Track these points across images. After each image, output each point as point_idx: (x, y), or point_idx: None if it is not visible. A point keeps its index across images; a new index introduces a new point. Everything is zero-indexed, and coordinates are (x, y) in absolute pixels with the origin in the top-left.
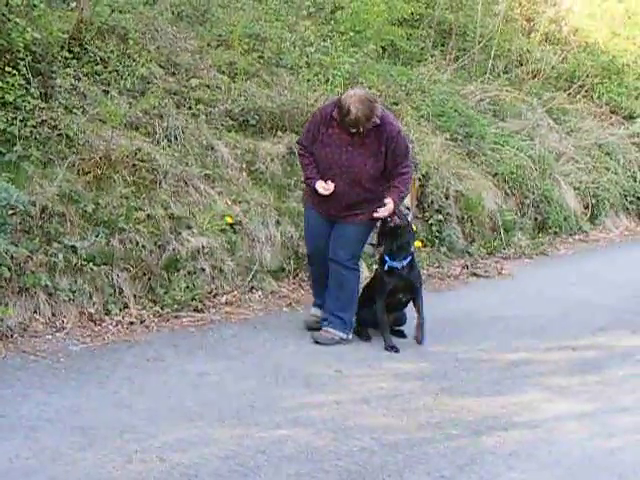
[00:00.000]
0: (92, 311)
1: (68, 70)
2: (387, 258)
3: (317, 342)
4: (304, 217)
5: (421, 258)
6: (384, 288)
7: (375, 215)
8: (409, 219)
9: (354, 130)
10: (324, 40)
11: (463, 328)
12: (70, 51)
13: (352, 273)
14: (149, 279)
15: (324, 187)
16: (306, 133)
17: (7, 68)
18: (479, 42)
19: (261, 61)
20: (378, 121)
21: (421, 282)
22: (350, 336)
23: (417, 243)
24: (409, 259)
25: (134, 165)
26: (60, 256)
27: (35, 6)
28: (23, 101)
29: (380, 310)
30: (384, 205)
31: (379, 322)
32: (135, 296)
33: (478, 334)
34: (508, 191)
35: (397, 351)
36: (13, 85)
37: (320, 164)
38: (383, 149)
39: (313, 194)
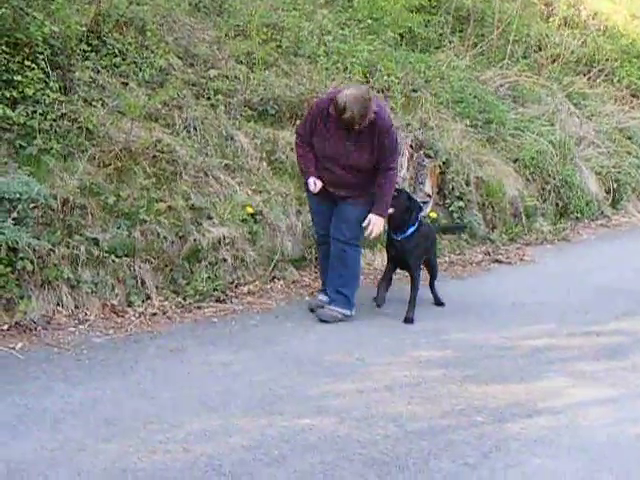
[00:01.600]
0: (115, 303)
1: (87, 63)
2: (389, 230)
3: (321, 320)
4: (308, 200)
5: (442, 245)
6: (387, 256)
7: (367, 235)
8: (411, 201)
9: (350, 128)
10: (342, 28)
11: (485, 315)
12: (88, 44)
13: (354, 250)
14: (171, 270)
15: (314, 183)
16: (303, 124)
17: (26, 62)
18: (497, 27)
19: (279, 50)
20: (373, 117)
21: (418, 255)
22: (353, 312)
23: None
24: (408, 233)
25: (154, 157)
26: (82, 249)
27: None
28: (42, 95)
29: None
30: (370, 223)
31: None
32: (157, 287)
33: (501, 320)
34: (529, 177)
35: (380, 306)
36: (32, 79)
37: (318, 154)
38: (376, 143)
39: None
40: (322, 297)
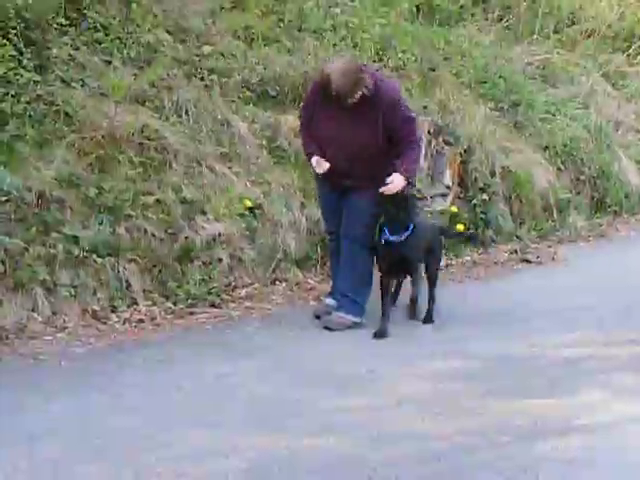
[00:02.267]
0: (96, 308)
1: (65, 39)
2: (385, 230)
3: (327, 327)
4: (317, 191)
5: (464, 243)
6: (382, 261)
7: (382, 191)
8: (410, 190)
9: (342, 102)
10: (351, 0)
11: (512, 321)
12: (67, 17)
13: (366, 250)
14: (160, 271)
15: (319, 164)
16: (304, 106)
17: None
18: None
19: (281, 25)
20: (369, 92)
21: (420, 258)
22: (363, 320)
23: (460, 226)
24: (407, 233)
25: (141, 144)
26: (60, 247)
27: None
28: (15, 74)
29: (381, 286)
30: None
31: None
32: (144, 291)
33: (529, 328)
34: (561, 166)
35: (383, 336)
36: (3, 56)
37: (319, 140)
38: (380, 120)
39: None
40: (329, 301)
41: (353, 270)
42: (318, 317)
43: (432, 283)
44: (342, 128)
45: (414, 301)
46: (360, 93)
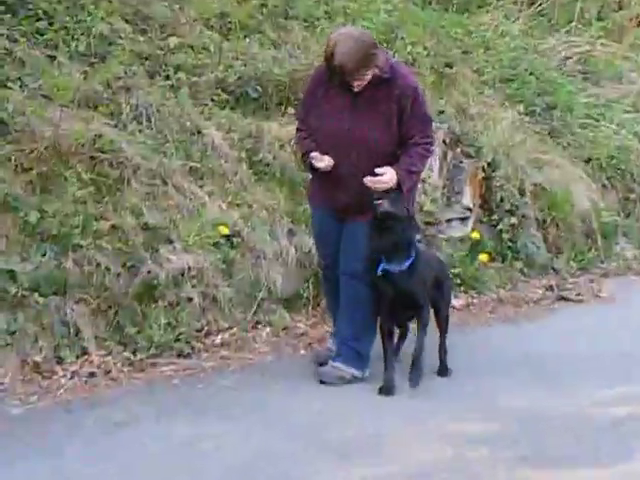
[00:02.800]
0: (38, 359)
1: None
2: (382, 258)
3: (322, 381)
4: (311, 219)
5: (488, 276)
6: (380, 299)
7: (365, 182)
8: (410, 210)
9: (344, 81)
10: None
11: (547, 372)
12: (2, 2)
13: (369, 289)
14: (116, 314)
15: (320, 158)
16: (302, 102)
17: None
18: None
19: (264, 11)
20: (384, 73)
21: (425, 296)
22: (366, 373)
23: (483, 256)
24: (410, 261)
25: (92, 157)
26: None
27: None
28: None
29: (380, 331)
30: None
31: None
32: (97, 337)
33: (568, 380)
34: (606, 183)
35: (391, 393)
36: None
37: (321, 141)
38: (395, 111)
39: (318, 186)
40: (332, 344)
41: (354, 312)
42: (321, 364)
43: (443, 330)
44: (347, 123)
45: (417, 359)
46: (369, 74)
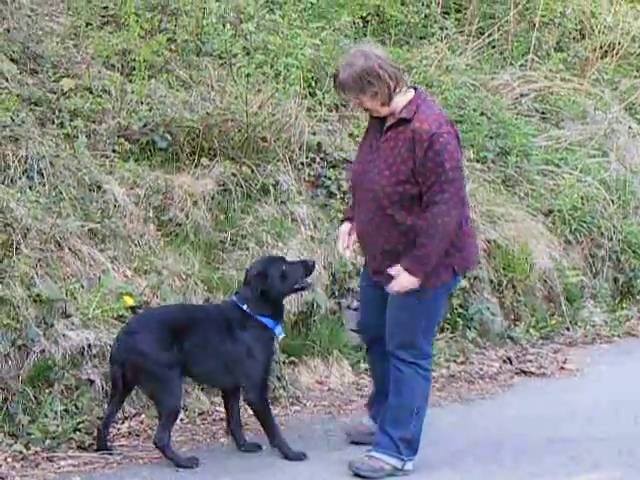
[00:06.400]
0: None
1: None
2: (269, 322)
3: (357, 475)
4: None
5: (436, 349)
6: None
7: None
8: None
9: (345, 98)
10: (270, 11)
11: (506, 459)
12: None
13: (412, 371)
14: (5, 400)
15: (342, 239)
16: None
17: None
18: (515, 4)
19: (172, 47)
20: (404, 114)
21: None
22: (409, 465)
23: None
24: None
25: None
26: None
27: None
28: None
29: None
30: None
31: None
32: None
33: (531, 467)
34: (570, 238)
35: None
36: None
37: (353, 191)
38: (407, 158)
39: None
40: (368, 421)
41: (398, 396)
42: (355, 443)
43: None
44: (370, 164)
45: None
46: (367, 102)
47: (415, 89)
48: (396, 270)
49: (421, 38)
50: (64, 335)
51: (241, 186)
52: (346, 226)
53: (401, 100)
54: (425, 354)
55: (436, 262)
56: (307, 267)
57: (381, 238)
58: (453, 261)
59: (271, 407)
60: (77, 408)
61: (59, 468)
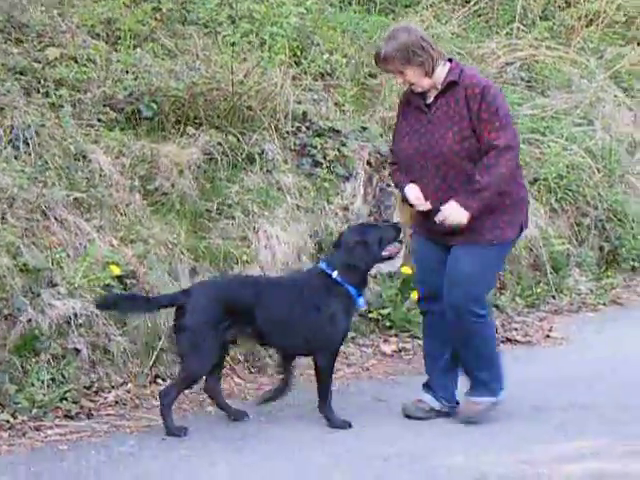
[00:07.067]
0: None
1: None
2: (354, 291)
3: (466, 422)
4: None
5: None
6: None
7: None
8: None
9: (386, 70)
10: None
11: (494, 425)
12: None
13: (477, 324)
14: None
15: (416, 196)
16: (393, 136)
17: None
18: None
19: (158, 16)
20: (456, 76)
21: None
22: (502, 396)
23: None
24: None
25: None
26: None
27: None
28: None
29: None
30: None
31: (323, 388)
32: None
33: (517, 434)
34: (556, 206)
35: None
36: None
37: (404, 166)
38: (466, 114)
39: (415, 213)
40: (424, 395)
41: (466, 349)
42: (409, 417)
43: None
44: (426, 134)
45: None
46: (409, 74)
47: (450, 60)
48: (446, 206)
49: (406, 6)
50: (50, 304)
51: (227, 155)
52: (413, 186)
53: (442, 71)
54: (486, 304)
55: (489, 201)
56: (398, 230)
57: (446, 194)
58: (520, 217)
59: None
60: (64, 377)
61: (46, 437)
